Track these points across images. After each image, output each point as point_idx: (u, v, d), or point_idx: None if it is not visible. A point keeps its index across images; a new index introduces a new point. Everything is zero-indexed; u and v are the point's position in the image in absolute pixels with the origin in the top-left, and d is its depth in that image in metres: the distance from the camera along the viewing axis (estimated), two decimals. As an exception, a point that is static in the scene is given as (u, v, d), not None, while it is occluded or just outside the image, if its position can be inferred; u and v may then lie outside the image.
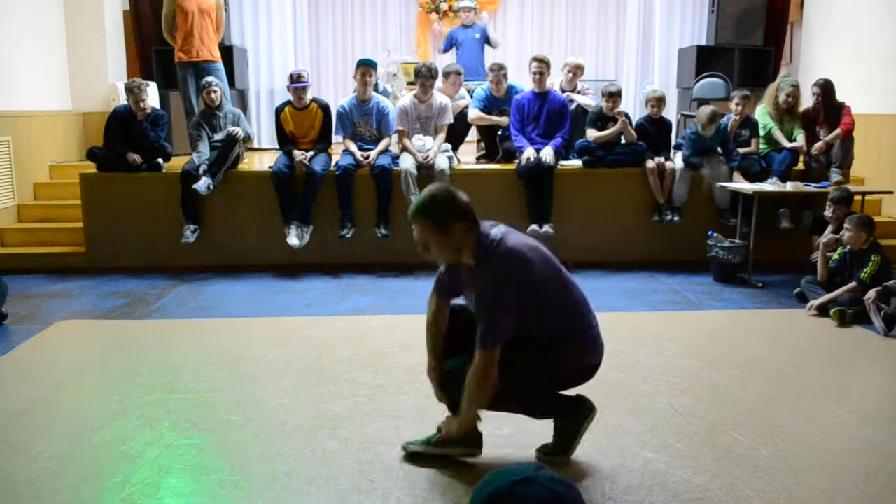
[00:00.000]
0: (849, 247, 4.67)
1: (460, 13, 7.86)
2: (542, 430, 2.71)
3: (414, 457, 2.69)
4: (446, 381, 2.64)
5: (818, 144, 5.80)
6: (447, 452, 2.66)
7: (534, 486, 1.09)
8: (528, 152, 5.78)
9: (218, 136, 5.84)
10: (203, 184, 5.54)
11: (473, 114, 6.29)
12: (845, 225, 4.68)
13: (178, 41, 6.62)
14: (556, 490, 1.10)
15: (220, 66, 6.68)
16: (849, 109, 5.82)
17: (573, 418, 2.63)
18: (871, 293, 4.30)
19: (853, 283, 4.51)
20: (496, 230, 2.48)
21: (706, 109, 5.78)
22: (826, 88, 5.81)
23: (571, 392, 2.65)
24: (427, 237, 2.45)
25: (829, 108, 5.84)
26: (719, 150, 5.85)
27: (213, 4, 6.71)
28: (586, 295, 2.61)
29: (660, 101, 6.10)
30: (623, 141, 6.01)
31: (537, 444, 2.72)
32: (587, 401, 2.66)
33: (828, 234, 4.96)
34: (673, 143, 6.36)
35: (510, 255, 2.40)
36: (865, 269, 4.49)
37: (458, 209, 2.42)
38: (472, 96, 6.56)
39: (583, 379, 2.60)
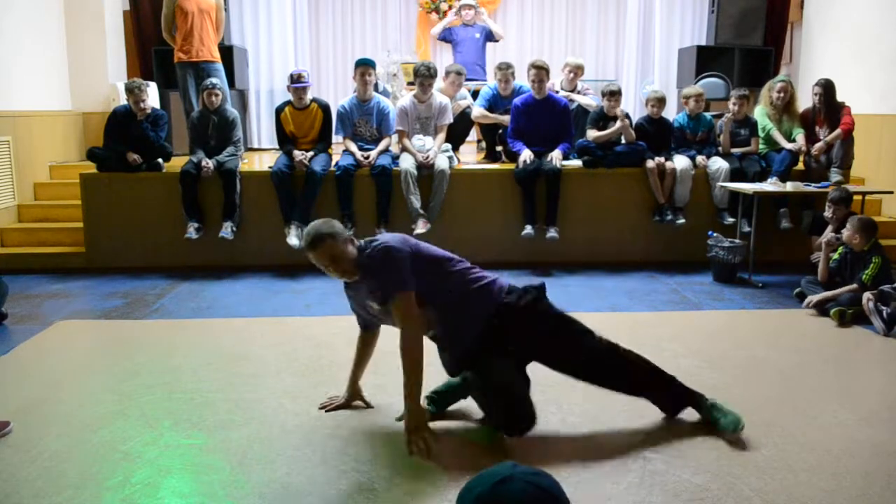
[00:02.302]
0: (849, 247, 4.67)
1: (461, 12, 7.84)
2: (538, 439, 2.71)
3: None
4: None
5: (818, 145, 5.81)
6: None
7: (515, 484, 1.15)
8: (525, 155, 5.78)
9: (213, 142, 5.83)
10: (227, 231, 5.61)
11: (478, 111, 6.29)
12: (847, 224, 4.68)
13: (177, 41, 6.62)
14: (537, 482, 1.16)
15: (220, 66, 6.69)
16: (848, 109, 5.82)
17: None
18: (868, 297, 4.28)
19: (854, 285, 4.51)
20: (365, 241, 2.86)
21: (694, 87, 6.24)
22: (827, 88, 5.82)
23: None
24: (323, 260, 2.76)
25: (829, 107, 5.85)
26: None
27: (212, 4, 6.72)
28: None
29: (661, 102, 6.11)
30: (623, 141, 6.01)
31: (542, 452, 2.71)
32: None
33: (828, 234, 4.95)
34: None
35: (387, 242, 2.78)
36: (866, 271, 4.49)
37: (337, 228, 2.79)
38: (473, 96, 6.55)
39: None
